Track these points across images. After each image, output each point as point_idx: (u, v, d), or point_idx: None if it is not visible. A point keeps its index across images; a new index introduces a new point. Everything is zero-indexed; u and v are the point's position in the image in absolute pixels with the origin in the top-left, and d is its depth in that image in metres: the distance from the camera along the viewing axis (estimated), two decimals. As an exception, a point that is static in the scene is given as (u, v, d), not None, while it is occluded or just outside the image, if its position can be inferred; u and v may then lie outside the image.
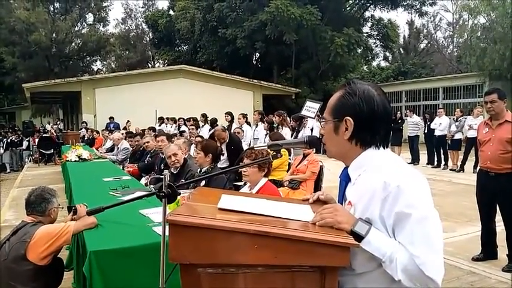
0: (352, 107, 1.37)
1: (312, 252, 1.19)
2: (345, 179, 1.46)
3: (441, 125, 11.08)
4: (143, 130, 10.53)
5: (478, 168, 4.43)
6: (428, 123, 11.71)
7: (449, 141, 10.91)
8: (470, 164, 10.10)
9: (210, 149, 4.14)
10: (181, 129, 11.70)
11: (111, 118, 16.62)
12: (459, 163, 10.72)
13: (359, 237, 1.25)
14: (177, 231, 1.21)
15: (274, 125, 8.74)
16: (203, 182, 3.51)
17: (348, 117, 1.37)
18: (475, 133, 9.49)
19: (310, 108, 8.52)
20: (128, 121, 15.66)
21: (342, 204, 1.46)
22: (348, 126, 1.38)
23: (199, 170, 4.18)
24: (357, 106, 1.37)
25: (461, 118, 10.75)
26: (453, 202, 6.93)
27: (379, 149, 1.40)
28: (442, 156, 11.33)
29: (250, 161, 3.06)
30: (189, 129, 10.19)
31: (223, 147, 6.37)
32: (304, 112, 8.64)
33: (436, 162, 11.49)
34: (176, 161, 4.38)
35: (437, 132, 11.14)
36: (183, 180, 3.74)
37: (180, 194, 1.76)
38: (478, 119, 9.86)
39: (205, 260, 1.21)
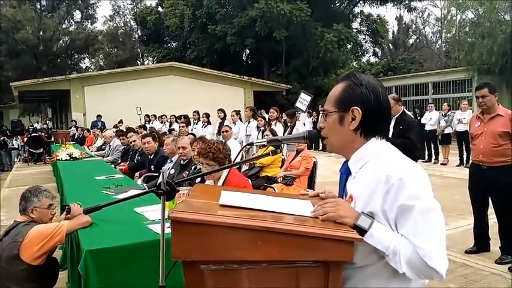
0: (360, 96, 1.38)
1: (316, 247, 1.19)
2: (345, 172, 1.46)
3: (431, 119, 11.15)
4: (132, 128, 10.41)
5: (471, 161, 4.46)
6: (419, 118, 11.76)
7: (439, 136, 11.00)
8: (458, 158, 10.19)
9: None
10: (171, 128, 11.61)
11: (98, 116, 16.38)
12: (450, 157, 10.81)
13: (362, 231, 1.24)
14: (179, 228, 1.19)
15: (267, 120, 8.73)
16: (198, 180, 3.49)
17: (356, 107, 1.37)
18: (463, 127, 9.62)
19: (303, 100, 8.55)
20: (121, 120, 15.41)
21: (342, 198, 1.45)
22: (355, 116, 1.38)
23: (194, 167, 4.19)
24: (364, 96, 1.37)
25: (449, 113, 10.84)
26: (445, 196, 6.97)
27: (380, 139, 1.41)
28: (433, 150, 11.42)
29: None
30: (180, 127, 10.12)
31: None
32: (297, 104, 8.67)
33: (426, 157, 11.57)
34: (184, 153, 4.65)
35: (427, 127, 11.21)
36: (184, 176, 3.78)
37: (178, 191, 1.74)
38: (466, 113, 9.95)
39: (208, 256, 1.20)
